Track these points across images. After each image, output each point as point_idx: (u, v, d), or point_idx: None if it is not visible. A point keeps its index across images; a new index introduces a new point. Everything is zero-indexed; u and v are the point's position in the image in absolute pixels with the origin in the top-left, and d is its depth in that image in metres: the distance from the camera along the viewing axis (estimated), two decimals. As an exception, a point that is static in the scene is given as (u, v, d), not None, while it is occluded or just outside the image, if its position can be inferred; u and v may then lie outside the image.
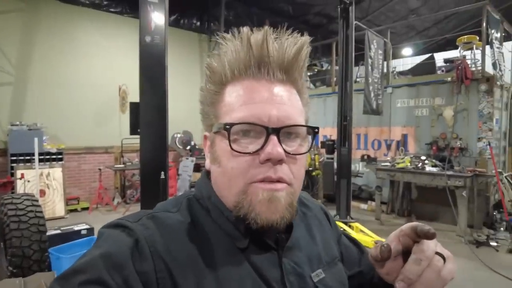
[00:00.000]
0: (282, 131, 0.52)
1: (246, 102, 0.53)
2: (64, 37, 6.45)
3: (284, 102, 0.53)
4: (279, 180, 0.52)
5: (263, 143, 0.51)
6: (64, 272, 0.46)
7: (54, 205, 5.67)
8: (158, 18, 2.60)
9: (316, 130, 0.57)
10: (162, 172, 2.36)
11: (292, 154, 0.53)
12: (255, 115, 0.52)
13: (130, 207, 6.24)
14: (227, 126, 0.52)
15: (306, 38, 0.55)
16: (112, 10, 7.00)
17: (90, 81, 6.74)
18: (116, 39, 7.09)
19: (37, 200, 3.14)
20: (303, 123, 0.56)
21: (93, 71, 6.79)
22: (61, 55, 6.42)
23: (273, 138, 0.51)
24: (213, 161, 0.57)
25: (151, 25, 2.54)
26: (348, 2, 4.80)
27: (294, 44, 0.54)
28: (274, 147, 0.50)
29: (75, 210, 6.18)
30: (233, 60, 0.54)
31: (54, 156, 5.83)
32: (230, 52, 0.54)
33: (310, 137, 0.57)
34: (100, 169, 6.40)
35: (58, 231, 3.31)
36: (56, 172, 5.77)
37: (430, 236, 0.49)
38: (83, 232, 3.43)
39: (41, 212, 3.04)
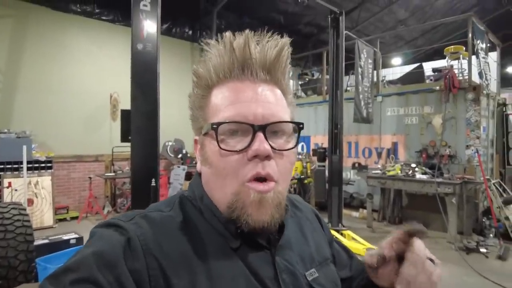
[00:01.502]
0: (268, 128, 0.53)
1: (232, 102, 0.54)
2: (55, 44, 6.41)
3: (269, 100, 0.55)
4: (266, 178, 0.53)
5: (250, 141, 0.53)
6: (55, 271, 0.45)
7: (42, 214, 5.56)
8: (150, 25, 2.61)
9: (301, 125, 0.58)
10: (153, 180, 2.34)
11: (279, 150, 0.55)
12: (240, 114, 0.53)
13: (120, 216, 6.14)
14: (214, 126, 0.53)
15: (286, 40, 0.58)
16: (104, 18, 7.00)
17: (81, 89, 6.69)
18: (107, 47, 7.07)
19: (24, 209, 3.08)
20: (288, 120, 0.57)
21: (84, 78, 6.74)
22: (51, 62, 6.37)
23: (260, 135, 0.53)
24: (203, 163, 0.59)
25: (143, 33, 2.55)
26: (338, 12, 4.89)
27: (275, 46, 0.56)
28: (261, 143, 0.52)
29: (64, 220, 6.06)
30: (217, 64, 0.56)
31: (43, 164, 5.73)
32: (215, 57, 0.56)
33: (296, 135, 0.59)
34: (90, 178, 6.31)
35: (46, 241, 3.24)
36: (44, 181, 5.67)
37: (422, 233, 0.52)
38: (72, 241, 3.37)
39: (28, 221, 2.98)
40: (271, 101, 0.56)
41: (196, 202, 0.59)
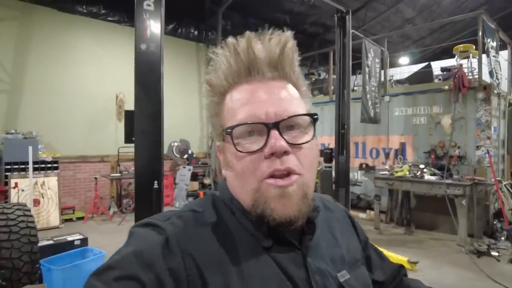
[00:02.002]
0: (281, 124, 0.54)
1: (243, 105, 0.56)
2: (60, 45, 6.44)
3: (280, 97, 0.56)
4: (288, 171, 0.53)
5: (265, 140, 0.53)
6: (98, 268, 0.48)
7: (48, 215, 5.58)
8: (154, 25, 2.58)
9: (316, 116, 0.58)
10: (156, 182, 2.31)
11: (297, 144, 0.55)
12: (252, 115, 0.54)
13: (126, 217, 6.15)
14: (228, 130, 0.55)
15: (288, 33, 0.58)
16: (109, 19, 7.02)
17: (86, 89, 6.71)
18: (113, 47, 7.08)
19: (29, 210, 3.07)
20: (303, 112, 0.57)
21: (89, 79, 6.77)
22: (56, 64, 6.40)
23: (274, 132, 0.53)
24: (226, 167, 0.60)
25: (146, 33, 2.52)
26: (345, 11, 4.82)
27: (278, 41, 0.57)
28: (276, 140, 0.52)
29: (70, 220, 6.08)
30: (226, 70, 0.58)
31: (49, 165, 5.75)
32: (223, 64, 0.58)
33: (313, 127, 0.58)
34: (96, 178, 6.32)
35: (51, 242, 3.23)
36: (51, 181, 5.69)
37: None
38: (77, 242, 3.36)
39: (33, 222, 2.97)
40: (282, 97, 0.56)
41: (227, 202, 0.61)
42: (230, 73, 0.57)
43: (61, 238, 3.36)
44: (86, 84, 6.71)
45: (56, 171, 5.81)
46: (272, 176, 0.53)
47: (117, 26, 7.12)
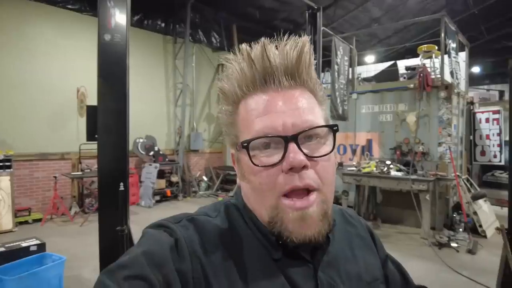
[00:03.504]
0: (300, 137, 0.51)
1: (259, 115, 0.53)
2: (13, 33, 5.92)
3: (297, 107, 0.53)
4: (307, 188, 0.51)
5: (283, 153, 0.51)
6: (109, 267, 0.48)
7: (0, 218, 5.16)
8: (119, 14, 2.40)
9: (335, 128, 0.55)
10: (122, 184, 2.16)
11: (316, 157, 0.52)
12: (269, 126, 0.52)
13: (89, 217, 5.83)
14: (244, 144, 0.52)
15: (306, 38, 0.55)
16: (69, 7, 6.57)
17: (45, 82, 6.25)
18: (74, 38, 6.64)
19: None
20: (321, 123, 0.54)
21: (48, 71, 6.30)
22: (9, 53, 5.88)
23: (292, 145, 0.51)
24: (241, 178, 0.58)
25: (111, 22, 2.34)
26: (316, 8, 4.82)
27: (295, 47, 0.54)
28: (295, 154, 0.50)
29: (26, 222, 5.66)
30: (240, 78, 0.55)
31: (1, 164, 5.31)
32: (236, 72, 0.55)
33: (332, 136, 0.55)
34: (55, 177, 5.93)
35: (2, 249, 2.94)
36: (2, 181, 5.25)
37: None
38: (33, 248, 3.08)
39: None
40: (300, 106, 0.53)
41: (241, 210, 0.60)
42: (244, 81, 0.55)
43: (15, 244, 3.07)
44: (44, 77, 6.25)
45: (8, 170, 5.37)
46: (290, 192, 0.51)
47: (78, 15, 6.69)
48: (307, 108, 0.53)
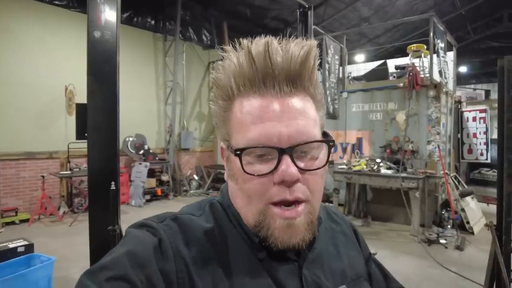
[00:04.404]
0: (294, 150, 0.50)
1: (254, 122, 0.50)
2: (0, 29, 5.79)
3: (295, 116, 0.50)
4: (296, 200, 0.51)
5: (276, 164, 0.50)
6: (91, 268, 0.47)
7: (-14, 218, 5.05)
8: (108, 11, 2.36)
9: (332, 143, 0.54)
10: (113, 183, 2.13)
11: (308, 170, 0.51)
12: (264, 135, 0.49)
13: (78, 217, 5.75)
14: (238, 152, 0.50)
15: (313, 42, 0.52)
16: (56, 3, 6.44)
17: (31, 80, 6.12)
18: (62, 35, 6.52)
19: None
20: (318, 135, 0.53)
21: (35, 68, 6.17)
22: (-5, 50, 5.76)
23: (286, 158, 0.49)
24: (230, 177, 0.57)
25: (100, 19, 2.30)
26: (307, 6, 4.83)
27: (300, 50, 0.50)
28: (288, 168, 0.49)
29: (12, 223, 5.55)
30: (237, 73, 0.51)
31: (-14, 163, 5.19)
32: (234, 65, 0.52)
33: (327, 149, 0.54)
34: (43, 176, 5.82)
35: (-12, 251, 2.88)
36: (-12, 181, 5.14)
37: None
38: (20, 249, 3.01)
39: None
40: (298, 116, 0.51)
41: (226, 208, 0.59)
42: (241, 78, 0.51)
43: (2, 245, 2.99)
44: (31, 74, 6.11)
45: (-5, 169, 5.26)
46: (279, 203, 0.51)
47: (66, 12, 6.57)
48: (306, 118, 0.51)
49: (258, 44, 0.51)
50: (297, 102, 0.51)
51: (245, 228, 0.55)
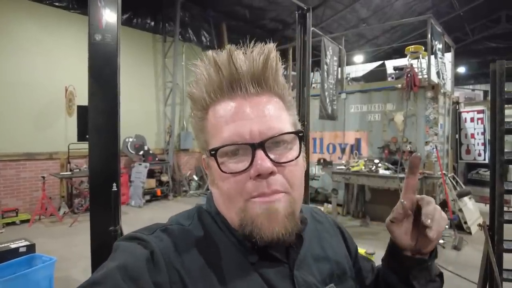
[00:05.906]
0: (267, 144, 0.52)
1: (227, 123, 0.54)
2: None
3: (263, 114, 0.54)
4: (274, 193, 0.52)
5: (251, 160, 0.52)
6: (82, 284, 0.46)
7: (-14, 219, 5.08)
8: (109, 14, 2.39)
9: (301, 134, 0.56)
10: (114, 184, 2.16)
11: (282, 163, 0.53)
12: (236, 134, 0.52)
13: (79, 217, 5.78)
14: (212, 152, 0.53)
15: (271, 45, 0.56)
16: (56, 4, 6.47)
17: (31, 81, 6.15)
18: (62, 36, 6.55)
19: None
20: (288, 129, 0.55)
21: (35, 69, 6.20)
22: (-4, 52, 5.78)
23: (259, 152, 0.52)
24: (212, 184, 0.59)
25: (101, 22, 2.33)
26: (306, 8, 4.86)
27: (261, 53, 0.54)
28: (262, 161, 0.51)
29: (13, 224, 5.58)
30: (207, 84, 0.55)
31: (-14, 164, 5.22)
32: (204, 78, 0.55)
33: (298, 141, 0.56)
34: (43, 177, 5.85)
35: (-10, 251, 2.91)
36: (-11, 182, 5.17)
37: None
38: (22, 249, 3.05)
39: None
40: (266, 113, 0.54)
41: (214, 216, 0.60)
42: (211, 88, 0.55)
43: (3, 245, 3.03)
44: (31, 75, 6.14)
45: (-5, 170, 5.29)
46: (258, 196, 0.52)
47: (66, 13, 6.60)
48: (273, 115, 0.54)
49: (222, 53, 0.54)
50: (265, 101, 0.55)
51: (235, 233, 0.56)
